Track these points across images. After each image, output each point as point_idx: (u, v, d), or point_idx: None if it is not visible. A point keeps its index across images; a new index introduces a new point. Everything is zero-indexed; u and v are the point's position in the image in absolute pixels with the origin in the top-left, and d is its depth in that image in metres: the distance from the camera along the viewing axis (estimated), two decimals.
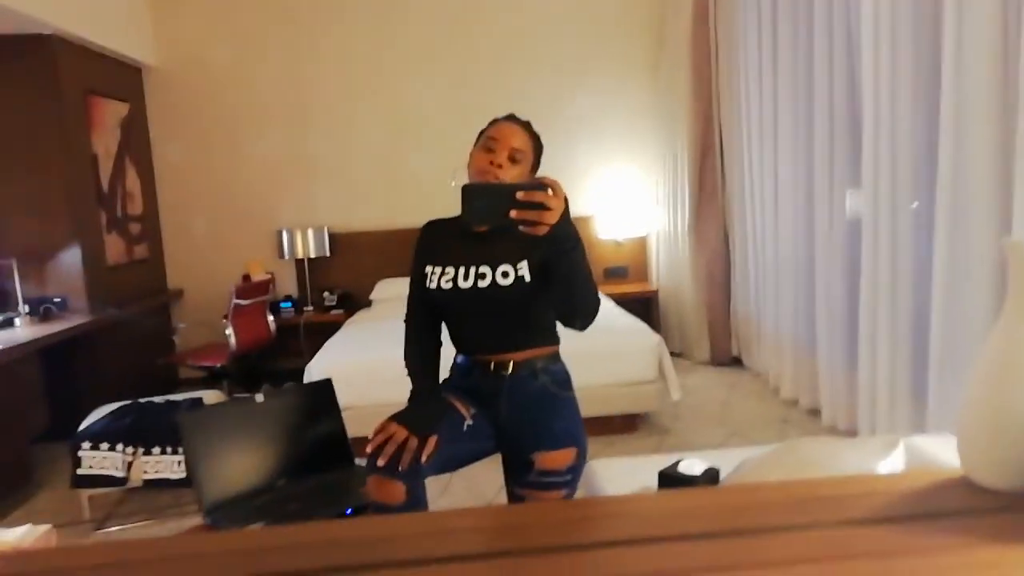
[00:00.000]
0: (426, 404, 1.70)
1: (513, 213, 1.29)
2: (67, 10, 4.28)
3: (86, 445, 3.15)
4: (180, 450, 3.06)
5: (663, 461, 2.07)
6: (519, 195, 1.29)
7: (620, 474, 2.32)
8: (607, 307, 4.67)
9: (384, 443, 1.56)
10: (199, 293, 5.57)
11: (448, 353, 1.84)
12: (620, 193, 5.71)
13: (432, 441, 1.57)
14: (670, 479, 1.97)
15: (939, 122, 2.71)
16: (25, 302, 4.09)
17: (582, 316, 1.58)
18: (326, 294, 5.50)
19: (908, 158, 3.02)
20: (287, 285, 5.66)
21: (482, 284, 1.68)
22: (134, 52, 5.14)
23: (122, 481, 3.17)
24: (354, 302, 5.53)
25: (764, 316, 4.67)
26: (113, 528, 3.22)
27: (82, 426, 3.28)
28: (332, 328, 4.81)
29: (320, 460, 1.98)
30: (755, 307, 4.84)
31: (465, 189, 1.29)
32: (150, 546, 1.00)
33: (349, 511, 1.73)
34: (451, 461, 1.66)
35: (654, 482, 2.05)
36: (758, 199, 4.66)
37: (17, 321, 3.98)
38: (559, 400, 1.76)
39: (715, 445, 3.71)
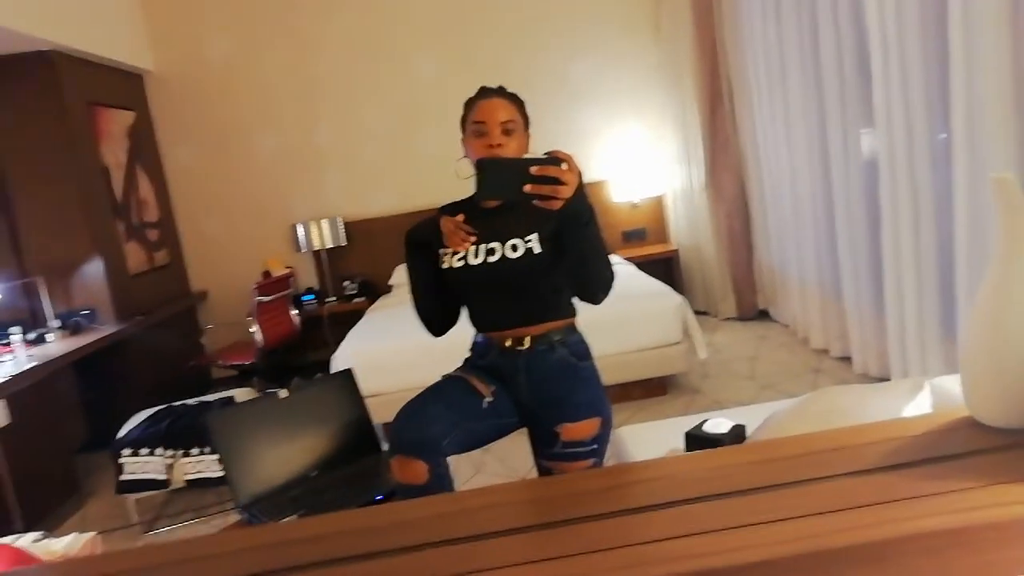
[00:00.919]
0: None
1: (528, 187, 1.29)
2: (64, 25, 4.30)
3: (126, 452, 3.23)
4: None
5: (691, 423, 2.07)
6: (533, 169, 1.29)
7: (649, 439, 2.32)
8: (627, 271, 4.64)
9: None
10: (223, 293, 5.63)
11: (468, 334, 1.84)
12: (632, 154, 5.64)
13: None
14: (697, 440, 1.98)
15: (949, 51, 2.62)
16: (55, 317, 4.17)
17: (597, 290, 1.59)
18: (346, 283, 5.54)
19: (920, 91, 2.93)
20: (307, 278, 5.70)
21: (492, 259, 1.69)
22: (133, 59, 5.15)
23: (165, 484, 3.25)
24: (374, 289, 5.56)
25: (787, 265, 4.61)
26: (162, 529, 3.31)
27: (120, 433, 3.36)
28: (355, 317, 4.85)
29: (348, 449, 2.00)
30: (778, 257, 4.77)
31: (479, 164, 1.30)
32: (188, 546, 1.03)
33: (379, 497, 1.75)
34: (473, 440, 1.67)
35: (682, 444, 2.05)
36: (772, 146, 4.58)
37: (49, 336, 4.06)
38: (579, 371, 1.76)
39: (747, 401, 3.69)
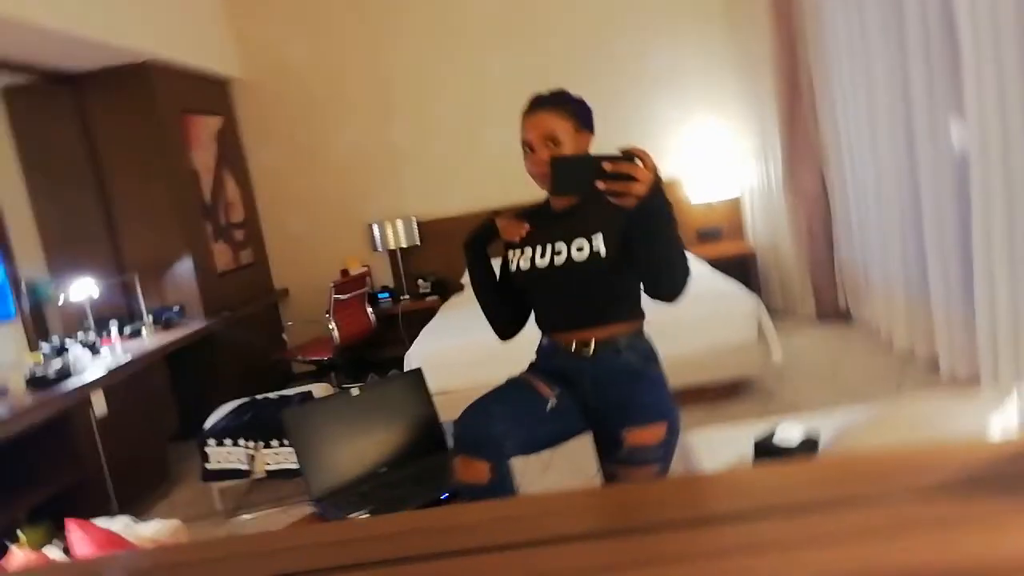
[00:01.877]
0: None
1: (600, 185, 1.28)
2: (156, 37, 4.55)
3: (212, 442, 3.39)
4: None
5: (762, 428, 2.01)
6: (607, 166, 1.28)
7: (718, 445, 2.27)
8: (701, 271, 4.55)
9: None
10: (303, 291, 5.84)
11: (535, 337, 1.86)
12: (708, 151, 5.52)
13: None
14: (766, 449, 1.92)
15: None
16: (148, 313, 4.42)
17: (673, 289, 1.56)
18: (420, 282, 5.65)
19: (1016, 79, 2.75)
20: (383, 276, 5.84)
21: (558, 261, 1.69)
22: (221, 67, 5.40)
23: (246, 473, 3.39)
24: (447, 287, 5.64)
25: (871, 264, 4.43)
26: (243, 517, 3.46)
27: (207, 424, 3.53)
28: (429, 314, 4.94)
29: (416, 447, 2.05)
30: (861, 256, 4.58)
31: (553, 162, 1.30)
32: (261, 540, 1.08)
33: (445, 495, 1.79)
34: (536, 442, 1.69)
35: (752, 451, 2.00)
36: (855, 141, 4.39)
37: (143, 331, 4.30)
38: (645, 375, 1.75)
39: (824, 406, 3.55)
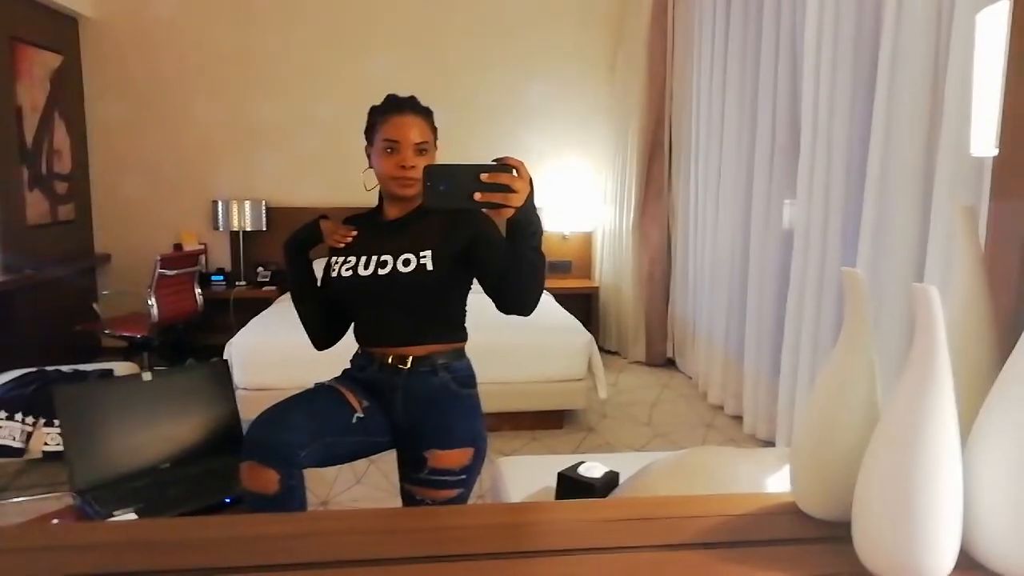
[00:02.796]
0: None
1: (478, 196, 1.23)
2: None
3: None
4: None
5: (573, 461, 2.06)
6: (483, 177, 1.24)
7: (527, 473, 2.29)
8: (543, 301, 4.64)
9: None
10: (128, 259, 5.35)
11: (345, 345, 1.78)
12: (570, 187, 5.69)
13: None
14: (568, 481, 1.96)
15: (870, 137, 2.74)
16: None
17: (530, 301, 1.53)
18: (260, 269, 5.36)
19: (841, 170, 3.04)
20: (220, 258, 5.49)
21: (382, 272, 1.64)
22: (69, 1, 4.89)
23: (20, 452, 3.03)
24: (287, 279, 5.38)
25: (698, 319, 4.71)
26: (9, 500, 3.08)
27: None
28: (263, 304, 4.69)
29: (209, 445, 1.90)
30: (691, 310, 4.87)
31: (427, 171, 1.23)
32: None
33: (229, 500, 1.66)
34: (335, 455, 1.61)
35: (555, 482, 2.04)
36: (701, 203, 4.68)
37: None
38: (460, 398, 1.72)
39: (638, 446, 3.72)
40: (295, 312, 1.82)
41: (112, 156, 5.36)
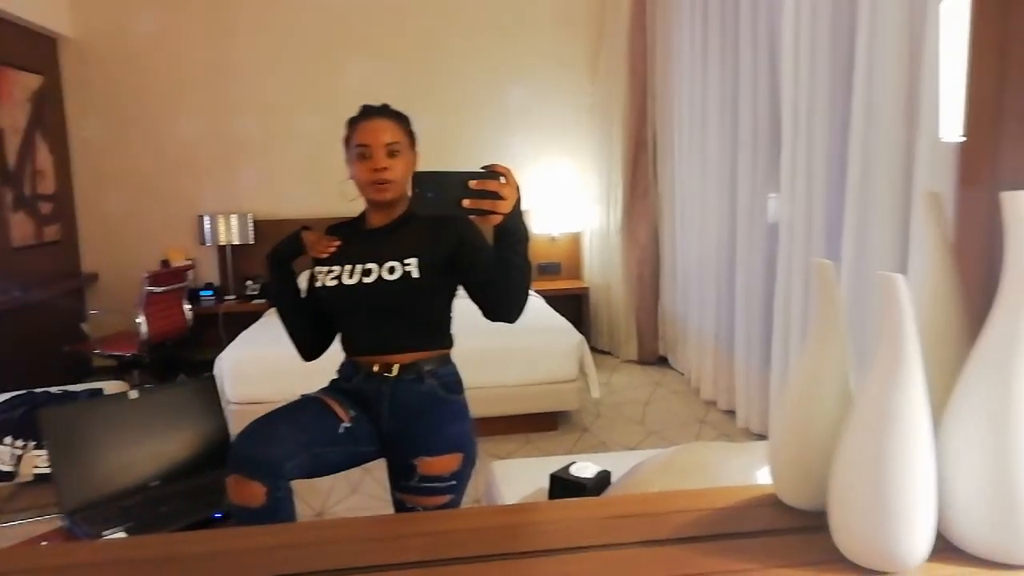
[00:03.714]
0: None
1: (466, 202, 1.24)
2: None
3: None
4: None
5: (566, 462, 2.06)
6: (472, 184, 1.25)
7: (520, 476, 2.29)
8: (531, 304, 4.64)
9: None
10: (116, 278, 5.33)
11: (335, 356, 1.78)
12: (556, 188, 5.70)
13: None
14: (560, 482, 1.97)
15: (849, 130, 2.76)
16: None
17: (516, 308, 1.54)
18: (249, 283, 5.34)
19: (822, 166, 3.06)
20: (209, 273, 5.47)
21: (367, 280, 1.64)
22: (47, 21, 4.87)
23: (10, 476, 3.00)
24: None
25: (689, 316, 4.72)
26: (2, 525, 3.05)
27: None
28: (253, 318, 4.68)
29: (198, 460, 1.89)
30: (681, 307, 4.88)
31: (416, 178, 1.24)
32: None
33: (219, 515, 1.65)
34: (323, 466, 1.60)
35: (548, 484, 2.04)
36: (687, 200, 4.70)
37: None
38: (447, 404, 1.72)
39: (632, 445, 3.72)
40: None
41: (96, 175, 5.34)
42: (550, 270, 5.78)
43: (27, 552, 0.95)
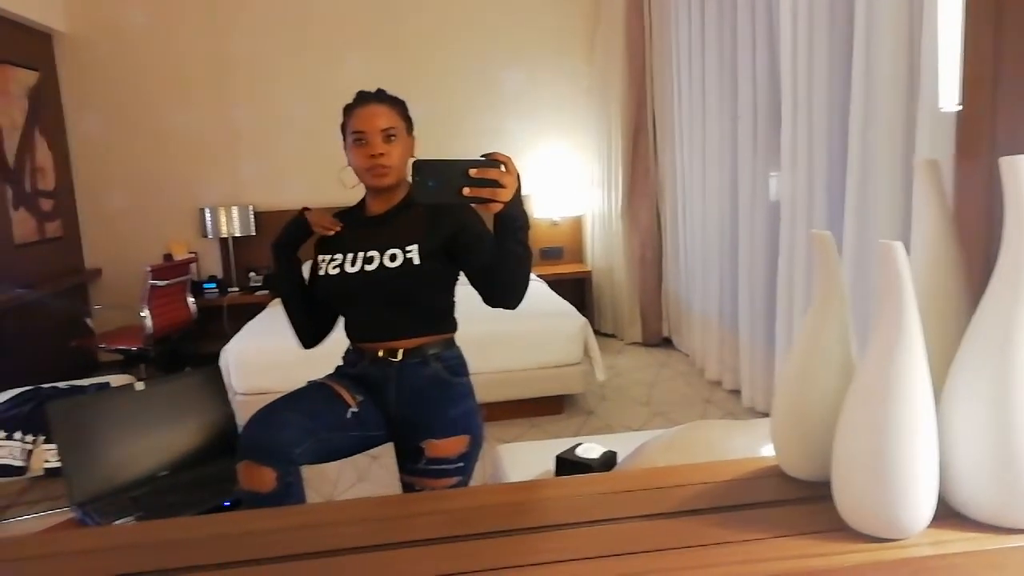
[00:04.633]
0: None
1: (466, 190, 1.25)
2: None
3: None
4: None
5: (572, 444, 2.07)
6: (472, 172, 1.25)
7: (527, 459, 2.31)
8: (535, 288, 4.65)
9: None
10: (119, 272, 5.34)
11: (341, 343, 1.78)
12: (556, 173, 5.69)
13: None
14: (567, 464, 1.98)
15: (850, 106, 2.74)
16: None
17: (517, 295, 1.54)
18: (252, 274, 5.36)
19: (823, 144, 3.05)
20: (211, 265, 5.48)
21: (369, 268, 1.64)
22: (42, 17, 4.86)
23: (21, 471, 3.03)
24: None
25: (692, 297, 4.72)
26: (11, 520, 3.08)
27: None
28: (257, 309, 4.69)
29: (205, 450, 1.91)
30: (684, 288, 4.88)
31: (416, 166, 1.24)
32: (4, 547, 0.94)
33: (227, 503, 1.67)
34: (331, 451, 1.61)
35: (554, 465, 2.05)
36: (688, 180, 4.69)
37: None
38: (452, 387, 1.73)
39: (637, 426, 3.74)
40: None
41: (96, 170, 5.34)
42: (552, 255, 5.78)
43: (39, 539, 0.96)
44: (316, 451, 1.56)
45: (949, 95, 1.07)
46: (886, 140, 2.58)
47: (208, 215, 5.29)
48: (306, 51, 5.40)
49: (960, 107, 0.95)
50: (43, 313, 4.57)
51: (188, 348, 5.05)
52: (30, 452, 3.07)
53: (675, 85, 4.75)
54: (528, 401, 3.88)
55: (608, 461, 1.96)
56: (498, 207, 1.32)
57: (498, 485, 1.64)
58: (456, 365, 1.75)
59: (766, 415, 3.62)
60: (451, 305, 1.76)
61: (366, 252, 1.65)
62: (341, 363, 1.79)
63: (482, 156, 1.30)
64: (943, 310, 0.79)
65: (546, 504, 0.88)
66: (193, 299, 4.76)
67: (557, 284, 4.94)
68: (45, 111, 4.99)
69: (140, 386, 1.86)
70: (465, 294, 1.75)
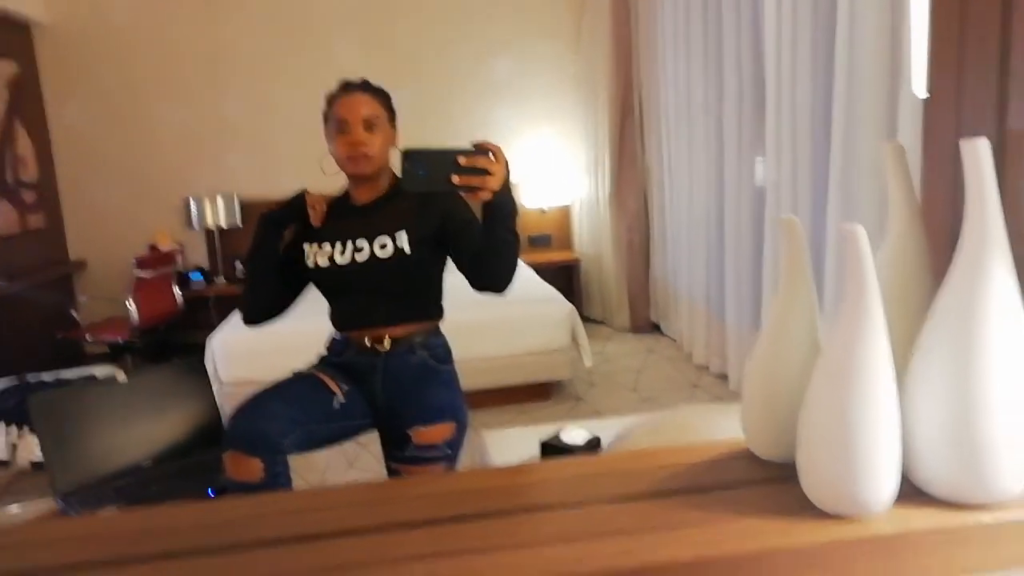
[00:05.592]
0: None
1: (456, 179, 1.25)
2: None
3: None
4: None
5: (556, 430, 2.09)
6: (461, 160, 1.26)
7: (512, 445, 2.32)
8: (523, 275, 4.66)
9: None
10: (104, 263, 5.32)
11: (326, 331, 1.79)
12: (544, 160, 5.68)
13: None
14: (551, 449, 2.00)
15: (832, 91, 2.75)
16: None
17: (505, 280, 1.55)
18: (238, 264, 5.33)
19: (806, 130, 3.06)
20: (197, 256, 5.46)
21: (360, 258, 1.64)
22: (19, 7, 4.79)
23: (5, 463, 3.03)
24: None
25: (679, 282, 4.74)
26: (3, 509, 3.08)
27: None
28: None
29: (190, 440, 1.91)
30: (671, 273, 4.90)
31: (406, 154, 1.25)
32: None
33: (212, 493, 1.67)
34: (318, 440, 1.62)
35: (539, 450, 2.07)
36: (674, 165, 4.70)
37: None
38: (438, 374, 1.74)
39: (626, 411, 3.76)
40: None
41: (79, 161, 5.29)
42: (540, 242, 5.78)
43: (19, 530, 0.96)
44: (303, 441, 1.57)
45: (922, 81, 1.08)
46: (869, 126, 2.59)
47: (194, 206, 5.26)
48: (292, 40, 5.36)
49: (927, 94, 0.96)
50: (28, 305, 4.55)
51: (175, 339, 5.03)
52: (15, 445, 3.08)
53: (661, 71, 4.75)
54: (516, 388, 3.89)
55: (592, 447, 1.98)
56: (487, 195, 1.33)
57: (476, 470, 1.65)
58: (442, 352, 1.76)
59: None
60: (439, 292, 1.77)
61: (355, 241, 1.65)
62: (325, 352, 1.79)
63: (472, 145, 1.31)
64: (907, 291, 0.80)
65: (527, 487, 0.89)
66: (179, 290, 4.74)
67: (545, 272, 4.94)
68: (25, 102, 4.94)
69: (123, 378, 1.86)
70: (451, 282, 1.76)
